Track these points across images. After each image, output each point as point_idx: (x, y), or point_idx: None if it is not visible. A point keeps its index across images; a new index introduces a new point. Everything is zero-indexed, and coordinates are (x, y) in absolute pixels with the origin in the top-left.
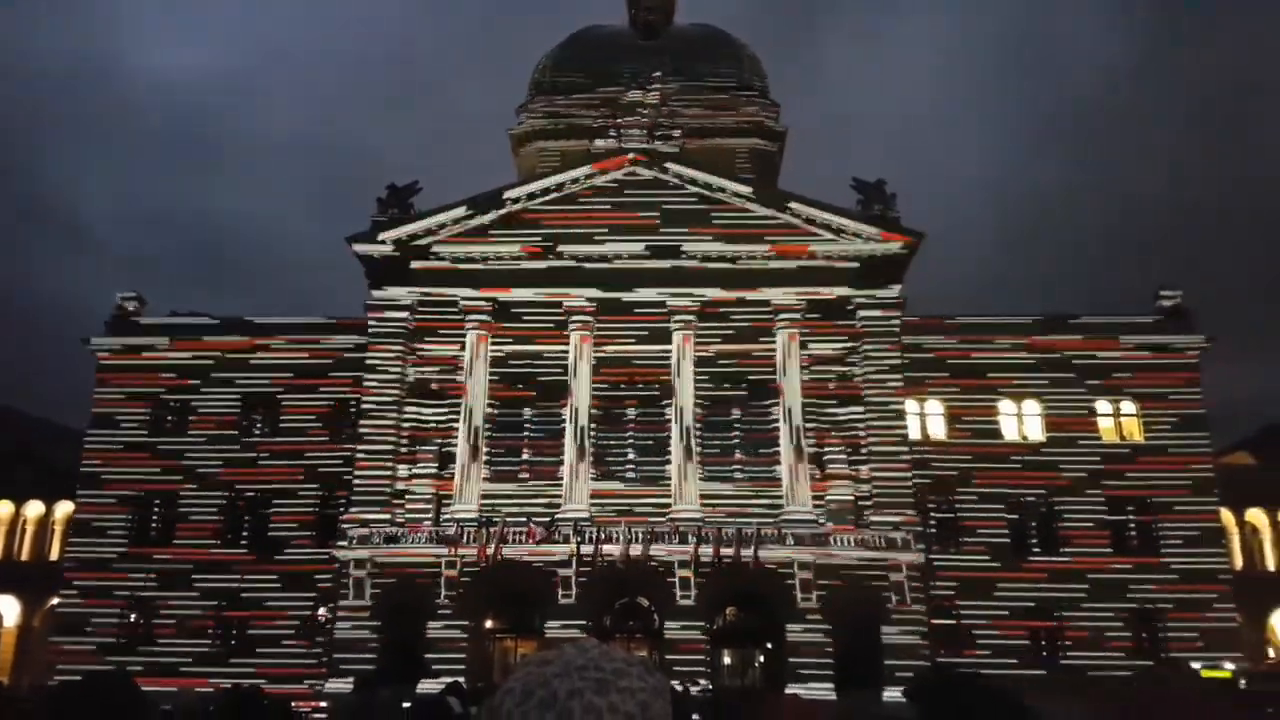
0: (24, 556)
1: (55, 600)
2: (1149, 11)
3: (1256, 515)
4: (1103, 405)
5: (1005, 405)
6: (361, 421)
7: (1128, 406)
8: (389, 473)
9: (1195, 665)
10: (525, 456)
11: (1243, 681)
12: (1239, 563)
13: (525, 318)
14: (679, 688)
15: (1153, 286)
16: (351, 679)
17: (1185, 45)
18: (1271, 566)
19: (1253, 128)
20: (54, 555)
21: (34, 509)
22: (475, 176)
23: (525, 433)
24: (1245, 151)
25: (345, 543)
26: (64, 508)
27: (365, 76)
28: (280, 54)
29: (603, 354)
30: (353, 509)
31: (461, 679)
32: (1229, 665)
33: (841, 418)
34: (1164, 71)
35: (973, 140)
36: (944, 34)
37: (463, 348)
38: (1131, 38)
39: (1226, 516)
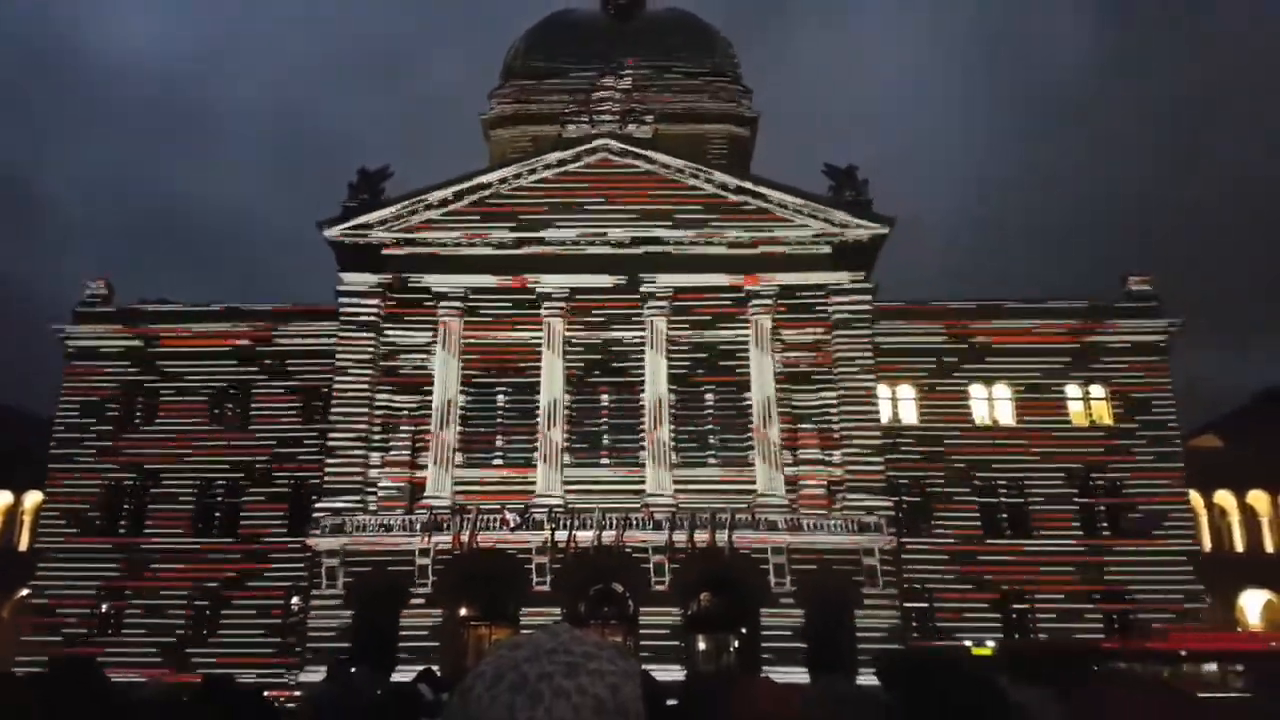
0: None
1: (25, 590)
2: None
3: (1224, 497)
4: (1072, 389)
5: (975, 389)
6: (333, 409)
7: (1097, 390)
8: (361, 460)
9: (967, 643)
10: (498, 443)
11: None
12: (1208, 544)
13: (497, 303)
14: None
15: (1124, 273)
16: (324, 668)
17: (1161, 32)
18: (1240, 548)
19: (1231, 118)
20: (23, 545)
21: (3, 498)
22: (447, 160)
23: (498, 419)
24: (1219, 141)
25: (318, 531)
26: (33, 497)
27: (337, 59)
28: (250, 33)
29: (575, 339)
30: (325, 497)
31: (435, 667)
32: (990, 643)
33: (814, 403)
34: (1139, 60)
35: (944, 129)
36: (917, 21)
37: (434, 334)
38: (1106, 26)
39: (1195, 498)
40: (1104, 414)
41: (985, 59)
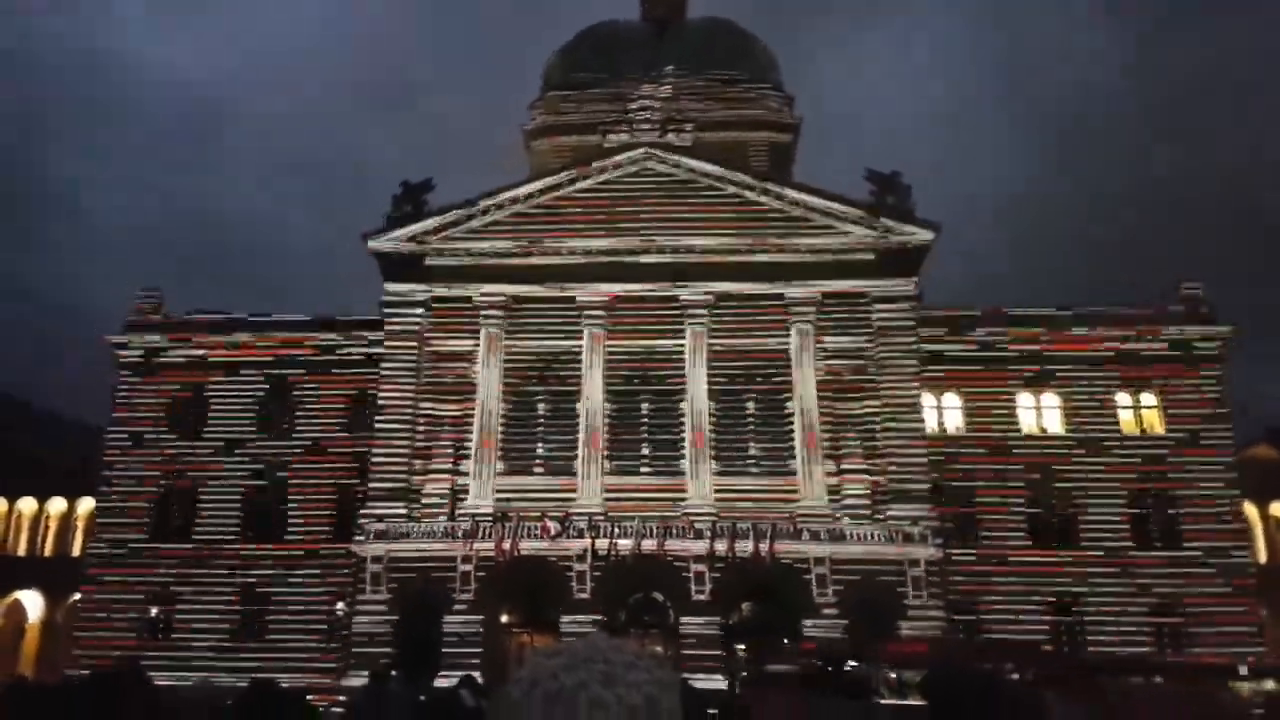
0: (47, 552)
1: (77, 595)
2: (1143, 10)
3: None
4: (1123, 398)
5: (1024, 398)
6: (378, 417)
7: (1148, 399)
8: (405, 468)
9: None
10: (540, 451)
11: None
12: (1263, 556)
13: (539, 313)
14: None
15: (1163, 282)
16: (367, 673)
17: (1182, 44)
18: None
19: (1260, 115)
20: (76, 551)
21: (57, 505)
22: (484, 175)
23: (540, 427)
24: (1244, 145)
25: (362, 537)
26: (86, 503)
27: (369, 74)
28: (279, 57)
29: (616, 348)
30: (370, 504)
31: (476, 674)
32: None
33: (857, 411)
34: (1163, 68)
35: (977, 137)
36: (940, 32)
37: (477, 343)
38: (1128, 35)
39: (1250, 510)
40: (1156, 423)
41: (1002, 71)
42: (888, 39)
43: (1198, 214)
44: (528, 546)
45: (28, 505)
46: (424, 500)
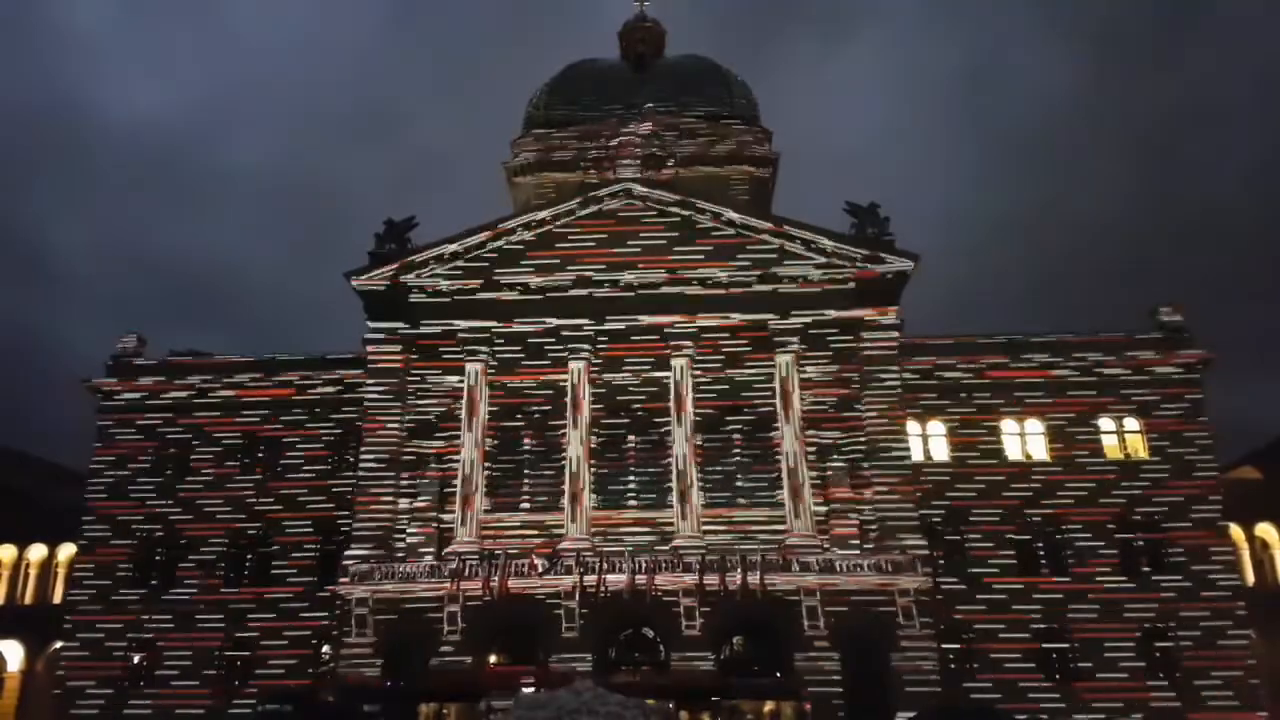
0: (27, 600)
1: (59, 644)
2: (1097, 41)
3: (1266, 530)
4: (1106, 423)
5: (1008, 425)
6: (361, 456)
7: (1131, 423)
8: (390, 507)
9: None
10: (526, 487)
11: None
12: (1250, 578)
13: (524, 348)
14: None
15: (1137, 307)
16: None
17: (1134, 72)
18: None
19: (1199, 149)
20: (57, 598)
21: (37, 552)
22: (464, 211)
23: (524, 463)
24: (1197, 172)
25: (347, 579)
26: (67, 550)
27: (344, 114)
28: (251, 93)
29: (601, 381)
30: (354, 545)
31: None
32: None
33: (843, 441)
34: (1114, 97)
35: (965, 149)
36: (899, 64)
37: (461, 379)
38: (1081, 66)
39: (1236, 532)
40: (1139, 448)
41: (964, 97)
42: (862, 54)
43: (1196, 217)
44: (515, 585)
45: (7, 552)
46: (409, 540)
